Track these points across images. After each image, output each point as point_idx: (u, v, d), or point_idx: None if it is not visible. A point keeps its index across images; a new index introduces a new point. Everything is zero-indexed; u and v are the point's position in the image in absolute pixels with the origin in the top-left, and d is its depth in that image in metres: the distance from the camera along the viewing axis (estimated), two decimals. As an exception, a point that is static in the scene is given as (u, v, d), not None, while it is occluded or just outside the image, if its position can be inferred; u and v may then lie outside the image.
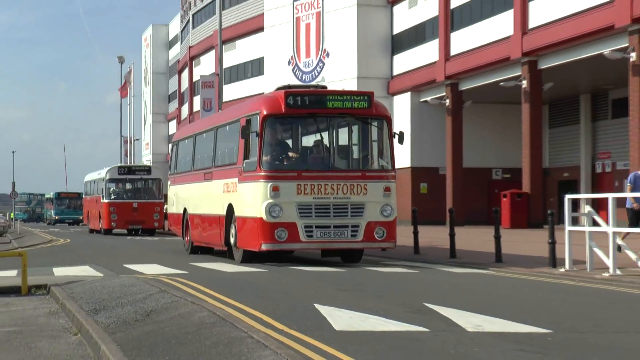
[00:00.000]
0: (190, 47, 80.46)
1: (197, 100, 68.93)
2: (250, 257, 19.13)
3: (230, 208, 19.75)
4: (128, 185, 45.14)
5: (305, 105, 18.18)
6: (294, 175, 17.91)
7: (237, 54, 67.13)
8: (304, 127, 19.44)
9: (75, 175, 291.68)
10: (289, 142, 19.53)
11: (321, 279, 14.98)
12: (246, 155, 18.61)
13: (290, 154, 18.81)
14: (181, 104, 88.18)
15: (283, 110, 18.07)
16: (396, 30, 53.53)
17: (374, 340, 8.32)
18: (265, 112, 18.05)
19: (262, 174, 17.87)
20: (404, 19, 52.72)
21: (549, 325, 9.31)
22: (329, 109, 18.29)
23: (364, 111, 18.42)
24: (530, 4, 41.19)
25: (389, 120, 18.83)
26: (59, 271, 17.98)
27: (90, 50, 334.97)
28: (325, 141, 18.74)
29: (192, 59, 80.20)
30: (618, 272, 15.17)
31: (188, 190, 24.49)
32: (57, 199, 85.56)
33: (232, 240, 19.77)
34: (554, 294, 12.92)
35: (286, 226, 17.76)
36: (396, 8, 53.57)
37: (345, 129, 18.92)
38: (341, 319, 9.53)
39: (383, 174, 18.49)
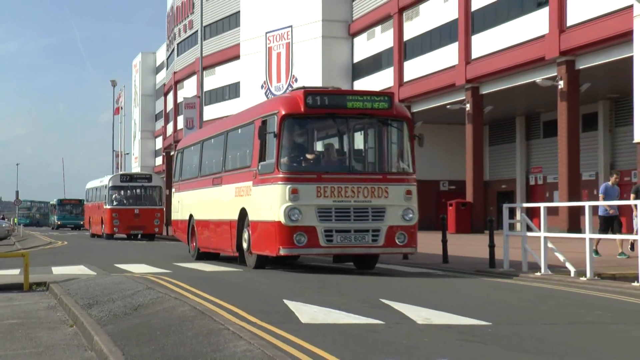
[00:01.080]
0: (175, 72, 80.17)
1: (180, 119, 68.67)
2: (263, 262, 16.76)
3: (242, 212, 17.19)
4: (130, 192, 42.74)
5: (325, 105, 15.70)
6: (313, 177, 15.36)
7: (216, 78, 67.02)
8: (323, 127, 16.97)
9: (72, 184, 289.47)
10: (308, 143, 16.85)
11: (290, 278, 14.93)
12: (262, 157, 16.11)
13: (309, 155, 16.19)
14: (166, 122, 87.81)
15: (302, 110, 15.57)
16: (356, 59, 53.70)
17: (336, 332, 8.30)
18: (283, 112, 15.55)
19: (281, 175, 15.34)
20: (363, 49, 52.92)
21: (489, 318, 9.34)
22: (348, 109, 15.76)
23: (384, 112, 15.98)
24: (473, 37, 41.49)
25: (409, 121, 16.50)
26: (57, 270, 17.81)
27: (87, 74, 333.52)
28: (345, 142, 16.03)
29: (177, 83, 79.91)
30: (549, 271, 15.26)
31: (195, 196, 21.68)
32: (59, 205, 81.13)
33: (244, 245, 17.20)
34: (493, 291, 12.97)
35: (305, 230, 15.16)
36: (356, 40, 53.78)
37: (365, 130, 16.43)
38: (307, 313, 9.50)
39: (404, 176, 16.18)
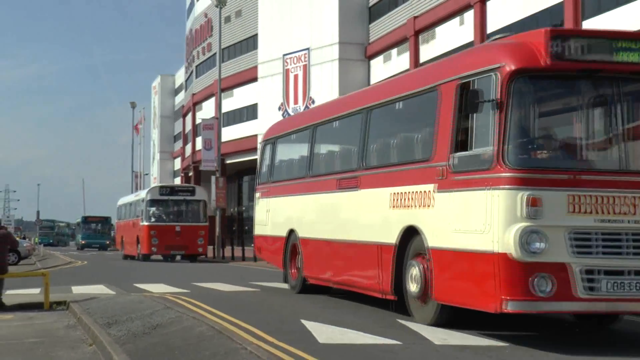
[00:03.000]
0: (193, 94, 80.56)
1: (199, 140, 68.99)
2: (451, 318, 10.22)
3: (408, 233, 10.87)
4: (170, 207, 37.07)
5: (582, 56, 8.98)
6: (564, 179, 8.88)
7: (234, 100, 67.30)
8: (578, 94, 9.72)
9: (92, 205, 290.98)
10: (552, 120, 10.11)
11: (305, 299, 14.88)
12: (460, 144, 9.71)
13: (555, 141, 9.64)
14: (185, 143, 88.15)
15: (546, 62, 8.94)
16: (373, 81, 53.75)
17: (353, 352, 8.28)
18: (513, 67, 9.02)
19: (507, 174, 8.85)
20: (379, 71, 53.01)
21: (506, 339, 9.30)
22: (619, 64, 9.09)
23: None
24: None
25: None
26: (77, 289, 17.87)
27: (107, 97, 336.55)
28: (615, 120, 9.42)
29: (195, 104, 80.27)
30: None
31: (300, 203, 15.40)
32: (84, 223, 73.35)
33: (412, 287, 10.77)
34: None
35: (551, 269, 8.68)
36: (373, 62, 53.91)
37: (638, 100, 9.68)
38: (324, 333, 9.49)
39: None
